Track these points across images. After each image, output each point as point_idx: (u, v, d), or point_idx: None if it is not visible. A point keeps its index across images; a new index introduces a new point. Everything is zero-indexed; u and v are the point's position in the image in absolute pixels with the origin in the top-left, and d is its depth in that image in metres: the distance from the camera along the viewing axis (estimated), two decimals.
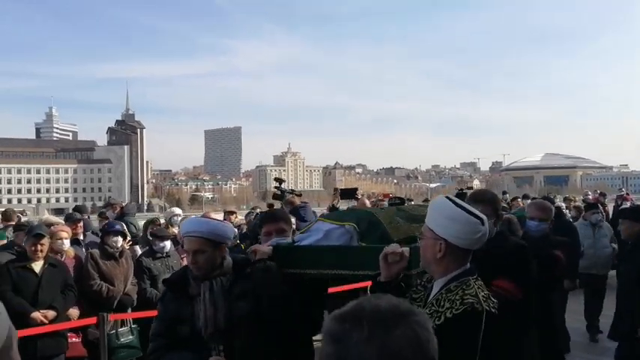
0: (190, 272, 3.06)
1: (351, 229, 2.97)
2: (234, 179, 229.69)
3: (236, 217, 9.70)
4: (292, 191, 8.43)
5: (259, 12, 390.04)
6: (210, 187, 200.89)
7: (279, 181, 8.52)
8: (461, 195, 8.21)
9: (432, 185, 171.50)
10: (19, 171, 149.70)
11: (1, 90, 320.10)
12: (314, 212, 7.71)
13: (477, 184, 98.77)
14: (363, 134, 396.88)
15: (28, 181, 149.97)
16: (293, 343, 3.02)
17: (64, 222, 6.89)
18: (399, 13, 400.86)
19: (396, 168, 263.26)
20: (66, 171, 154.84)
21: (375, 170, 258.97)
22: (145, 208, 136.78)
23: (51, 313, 5.36)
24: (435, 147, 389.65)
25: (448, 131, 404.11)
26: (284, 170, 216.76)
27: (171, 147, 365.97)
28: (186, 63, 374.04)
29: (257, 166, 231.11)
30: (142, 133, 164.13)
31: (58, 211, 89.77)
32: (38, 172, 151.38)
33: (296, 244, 3.10)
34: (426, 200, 14.85)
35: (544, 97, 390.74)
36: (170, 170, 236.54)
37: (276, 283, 2.88)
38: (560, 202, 13.21)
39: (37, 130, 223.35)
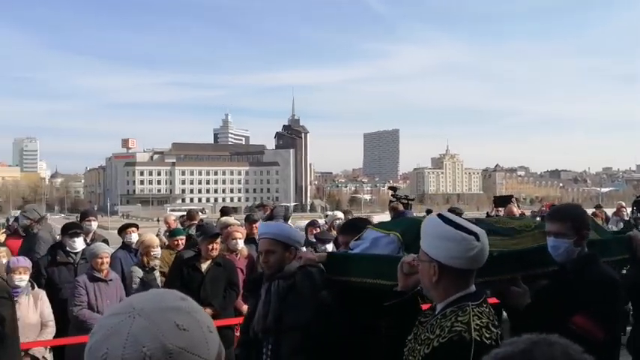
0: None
1: (395, 239, 2.90)
2: (391, 181, 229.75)
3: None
4: (406, 197, 8.34)
5: (416, 15, 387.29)
6: (368, 189, 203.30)
7: (394, 189, 9.05)
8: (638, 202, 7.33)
9: (604, 190, 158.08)
10: (199, 172, 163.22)
11: (183, 99, 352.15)
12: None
13: None
14: (525, 135, 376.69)
15: (207, 182, 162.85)
16: (337, 349, 2.96)
17: (239, 223, 7.26)
18: (565, 9, 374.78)
19: (562, 170, 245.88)
20: (239, 173, 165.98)
21: (538, 173, 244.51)
22: (308, 208, 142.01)
23: (207, 311, 5.57)
24: (606, 148, 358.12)
25: (622, 130, 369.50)
26: (442, 173, 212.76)
27: (332, 150, 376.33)
28: (346, 69, 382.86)
29: (415, 169, 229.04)
30: (306, 137, 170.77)
31: (231, 210, 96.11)
32: (215, 173, 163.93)
33: (349, 252, 3.09)
34: (598, 207, 13.56)
35: None
36: (331, 172, 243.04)
37: (314, 290, 2.94)
38: None
39: (215, 136, 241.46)
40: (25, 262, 5.12)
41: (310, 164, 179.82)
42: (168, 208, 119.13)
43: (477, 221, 3.54)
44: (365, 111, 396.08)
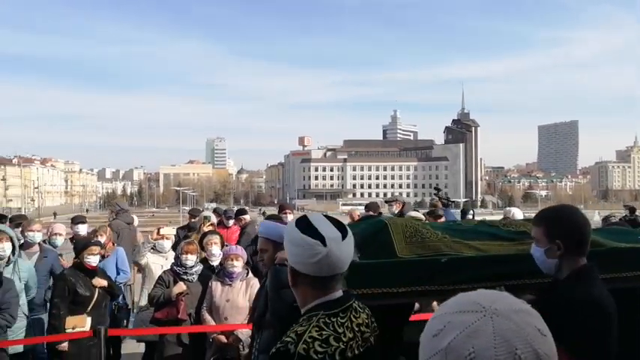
0: None
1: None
2: (569, 176, 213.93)
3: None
4: (447, 199, 8.79)
5: None
6: (543, 184, 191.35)
7: (438, 189, 9.50)
8: None
9: None
10: (369, 168, 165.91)
11: (354, 97, 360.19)
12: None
13: None
14: None
15: (376, 177, 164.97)
16: None
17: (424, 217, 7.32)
18: None
19: None
20: (407, 168, 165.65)
21: None
22: (479, 204, 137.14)
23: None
24: None
25: None
26: (629, 167, 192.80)
27: (504, 144, 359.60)
28: (520, 59, 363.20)
29: (596, 163, 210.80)
30: (476, 131, 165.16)
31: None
32: (385, 169, 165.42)
33: None
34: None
35: None
36: (502, 167, 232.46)
37: (277, 289, 2.90)
38: None
39: (384, 132, 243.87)
40: (237, 250, 5.62)
41: (481, 159, 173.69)
42: (340, 203, 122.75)
43: (481, 223, 3.16)
44: (540, 102, 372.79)
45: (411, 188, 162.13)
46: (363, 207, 9.59)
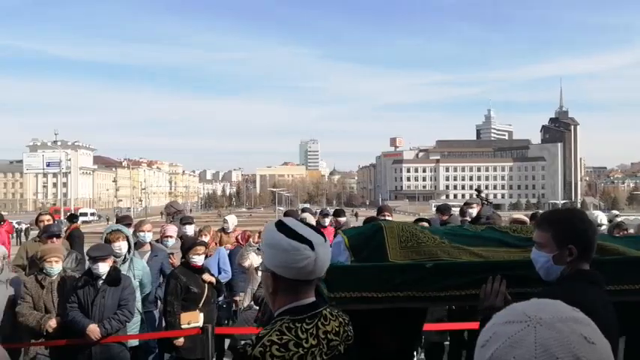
0: None
1: (341, 240, 2.64)
2: None
3: None
4: (487, 200, 8.86)
5: None
6: None
7: (479, 191, 9.99)
8: None
9: None
10: (462, 169, 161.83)
11: (446, 97, 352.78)
12: None
13: None
14: None
15: (470, 178, 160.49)
16: None
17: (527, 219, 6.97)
18: None
19: None
20: (503, 169, 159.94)
21: None
22: (579, 206, 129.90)
23: None
24: None
25: None
26: None
27: (607, 143, 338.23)
28: (623, 54, 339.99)
29: None
30: (575, 129, 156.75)
31: (495, 207, 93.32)
32: (479, 169, 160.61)
33: None
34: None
35: None
36: (605, 167, 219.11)
37: None
38: None
39: (477, 132, 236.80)
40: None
41: (581, 159, 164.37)
42: (433, 204, 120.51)
43: (489, 228, 2.91)
44: None
45: (506, 189, 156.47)
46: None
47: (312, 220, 8.25)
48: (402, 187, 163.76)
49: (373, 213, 9.32)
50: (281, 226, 1.84)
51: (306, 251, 1.76)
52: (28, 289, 4.97)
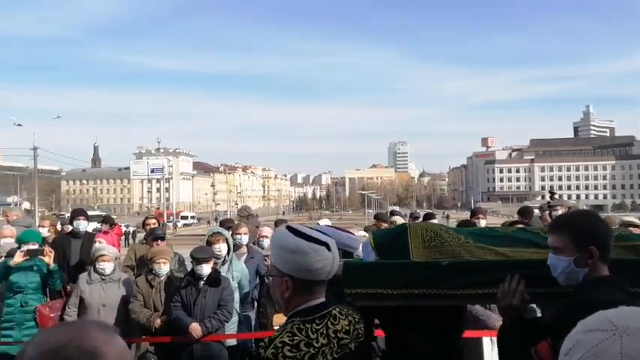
0: None
1: (367, 242, 2.70)
2: None
3: None
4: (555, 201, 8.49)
5: None
6: None
7: (552, 193, 9.94)
8: None
9: None
10: (559, 169, 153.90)
11: (540, 94, 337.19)
12: None
13: None
14: None
15: (568, 178, 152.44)
16: None
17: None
18: None
19: None
20: (604, 167, 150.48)
21: None
22: None
23: None
24: None
25: None
26: None
27: None
28: None
29: None
30: None
31: (596, 207, 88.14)
32: (577, 169, 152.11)
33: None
34: None
35: None
36: None
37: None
38: None
39: (575, 129, 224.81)
40: None
41: None
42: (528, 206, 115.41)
43: (521, 229, 2.88)
44: None
45: (608, 189, 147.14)
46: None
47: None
48: (494, 188, 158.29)
49: (465, 215, 9.15)
50: (295, 231, 1.93)
51: (324, 252, 1.86)
52: (139, 288, 5.29)
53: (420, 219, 8.91)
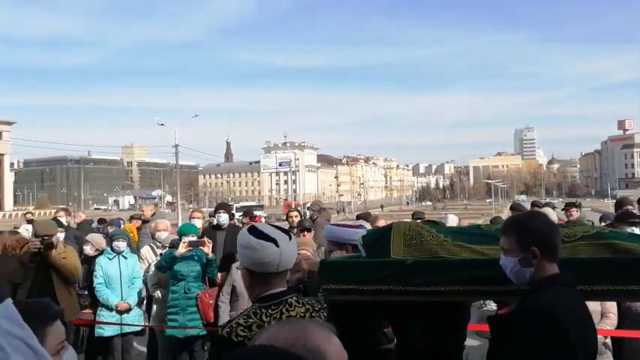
0: None
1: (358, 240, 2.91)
2: None
3: None
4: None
5: None
6: None
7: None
8: None
9: None
10: None
11: None
12: None
13: None
14: None
15: None
16: None
17: None
18: None
19: None
20: None
21: None
22: None
23: None
24: None
25: None
26: None
27: None
28: None
29: None
30: None
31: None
32: None
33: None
34: None
35: None
36: None
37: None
38: None
39: None
40: None
41: None
42: None
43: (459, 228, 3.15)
44: None
45: None
46: None
47: (554, 216, 7.14)
48: (633, 174, 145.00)
49: (599, 204, 8.49)
50: (251, 229, 2.15)
51: (272, 248, 2.04)
52: None
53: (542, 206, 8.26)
